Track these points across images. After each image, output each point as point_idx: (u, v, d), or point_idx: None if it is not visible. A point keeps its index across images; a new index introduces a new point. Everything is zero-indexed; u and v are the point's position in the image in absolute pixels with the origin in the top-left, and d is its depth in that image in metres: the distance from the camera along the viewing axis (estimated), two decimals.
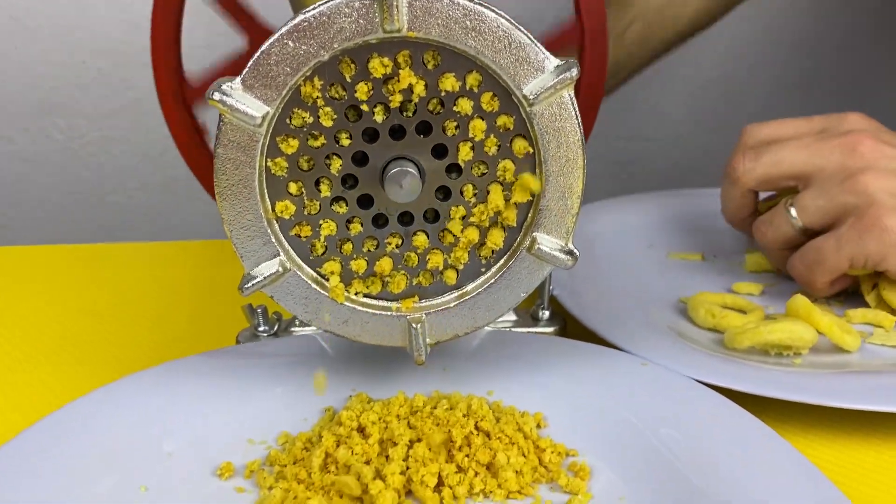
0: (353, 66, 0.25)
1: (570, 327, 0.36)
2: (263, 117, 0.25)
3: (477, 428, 0.27)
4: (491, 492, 0.26)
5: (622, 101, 0.77)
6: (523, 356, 0.32)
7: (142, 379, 0.30)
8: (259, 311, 0.35)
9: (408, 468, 0.26)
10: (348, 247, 0.27)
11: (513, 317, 0.36)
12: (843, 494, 0.24)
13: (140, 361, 0.36)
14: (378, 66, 0.25)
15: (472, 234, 0.27)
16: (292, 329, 0.35)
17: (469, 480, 0.26)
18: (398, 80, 0.25)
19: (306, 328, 0.35)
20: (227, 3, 0.40)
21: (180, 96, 0.36)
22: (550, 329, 0.36)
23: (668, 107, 0.85)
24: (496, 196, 0.27)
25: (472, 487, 0.26)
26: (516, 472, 0.26)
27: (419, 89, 0.25)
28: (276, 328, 0.35)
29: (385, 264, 0.27)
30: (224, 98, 0.24)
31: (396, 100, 0.25)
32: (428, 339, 0.28)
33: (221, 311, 0.41)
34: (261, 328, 0.35)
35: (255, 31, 0.41)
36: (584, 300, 0.37)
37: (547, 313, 0.36)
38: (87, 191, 0.92)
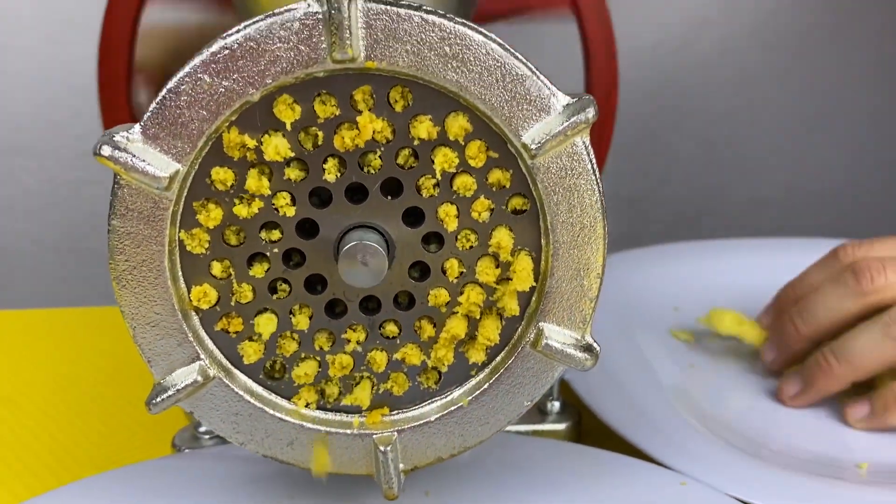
0: (294, 106, 0.19)
1: (585, 422, 0.30)
2: (172, 177, 0.18)
3: None
4: None
5: (630, 137, 0.72)
6: (532, 469, 0.25)
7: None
8: None
9: None
10: (291, 345, 0.21)
11: None
12: None
13: (49, 469, 0.29)
14: (325, 107, 0.19)
15: (458, 328, 0.20)
16: None
17: None
18: (357, 130, 0.19)
19: None
20: None
21: None
22: (561, 426, 0.29)
23: (677, 143, 0.80)
24: (486, 275, 0.20)
25: None
26: None
27: (385, 134, 0.19)
28: None
29: (344, 361, 0.21)
30: (116, 154, 0.18)
31: (351, 149, 0.19)
32: (402, 465, 0.21)
33: None
34: (201, 429, 0.28)
35: None
36: (602, 388, 0.30)
37: (557, 405, 0.29)
38: (58, 237, 0.86)
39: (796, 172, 0.77)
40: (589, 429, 0.30)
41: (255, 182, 0.19)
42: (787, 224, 0.79)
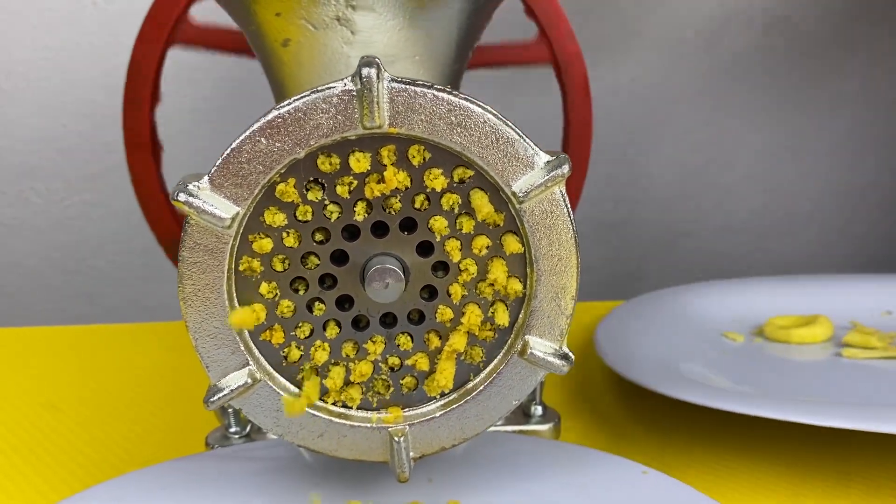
0: (333, 160, 0.23)
1: (563, 424, 0.34)
2: (233, 218, 0.23)
3: None
4: None
5: (609, 163, 0.77)
6: (517, 461, 0.30)
7: (88, 499, 0.27)
8: (230, 410, 0.32)
9: None
10: (322, 354, 0.25)
11: None
12: None
13: (96, 465, 0.33)
14: (358, 163, 0.23)
15: (459, 343, 0.25)
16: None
17: None
18: (382, 181, 0.23)
19: None
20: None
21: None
22: (544, 427, 0.33)
23: (655, 168, 0.84)
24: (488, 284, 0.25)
25: None
26: None
27: (405, 183, 0.24)
28: (248, 429, 0.33)
29: (364, 369, 0.25)
30: (190, 199, 0.23)
31: (377, 195, 0.24)
32: (412, 453, 0.26)
33: (188, 403, 0.38)
34: (232, 429, 0.32)
35: None
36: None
37: (540, 409, 0.34)
38: (65, 255, 0.89)
39: (767, 200, 0.82)
40: (566, 428, 0.35)
41: (302, 215, 0.23)
42: (758, 248, 0.84)
